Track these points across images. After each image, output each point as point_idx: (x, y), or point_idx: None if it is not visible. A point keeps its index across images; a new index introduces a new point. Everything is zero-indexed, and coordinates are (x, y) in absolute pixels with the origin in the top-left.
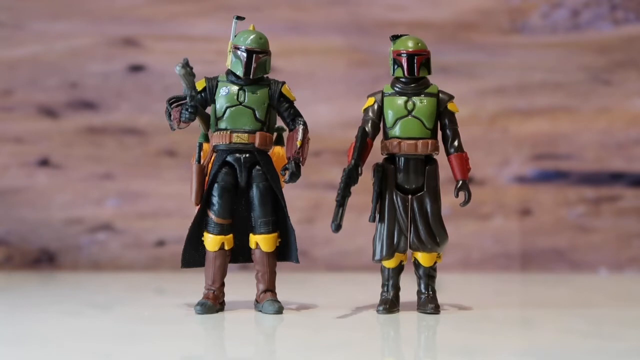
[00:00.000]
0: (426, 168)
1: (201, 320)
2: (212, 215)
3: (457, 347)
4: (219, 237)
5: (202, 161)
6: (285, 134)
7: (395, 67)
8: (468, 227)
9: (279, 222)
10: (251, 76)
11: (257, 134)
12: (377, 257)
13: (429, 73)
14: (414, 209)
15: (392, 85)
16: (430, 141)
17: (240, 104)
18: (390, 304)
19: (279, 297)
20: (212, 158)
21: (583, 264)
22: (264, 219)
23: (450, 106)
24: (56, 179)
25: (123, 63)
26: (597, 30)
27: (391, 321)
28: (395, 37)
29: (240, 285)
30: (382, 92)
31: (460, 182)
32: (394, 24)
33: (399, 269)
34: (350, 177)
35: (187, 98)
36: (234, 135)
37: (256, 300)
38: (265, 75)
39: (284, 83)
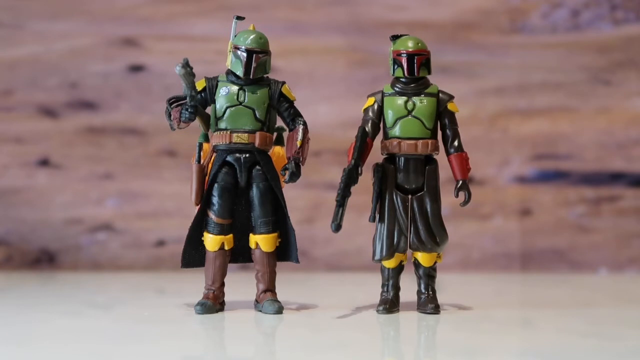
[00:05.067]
0: (426, 168)
1: (201, 320)
2: (212, 215)
3: (457, 347)
4: (219, 237)
5: (202, 161)
6: (285, 134)
7: (395, 67)
8: (468, 227)
9: (279, 222)
10: (251, 76)
11: (257, 134)
12: (377, 257)
13: (429, 73)
14: (414, 209)
15: (392, 85)
16: (430, 141)
17: (240, 104)
18: (390, 304)
19: (279, 297)
20: (212, 158)
21: (583, 264)
22: (264, 219)
23: (450, 106)
24: (56, 179)
25: (123, 63)
26: (597, 30)
27: (391, 321)
28: (395, 37)
29: (240, 285)
30: (382, 92)
31: (460, 182)
32: (393, 24)
33: (399, 269)
34: (350, 177)
35: (187, 98)
36: (234, 135)
37: (256, 300)
38: (265, 75)
39: (284, 83)
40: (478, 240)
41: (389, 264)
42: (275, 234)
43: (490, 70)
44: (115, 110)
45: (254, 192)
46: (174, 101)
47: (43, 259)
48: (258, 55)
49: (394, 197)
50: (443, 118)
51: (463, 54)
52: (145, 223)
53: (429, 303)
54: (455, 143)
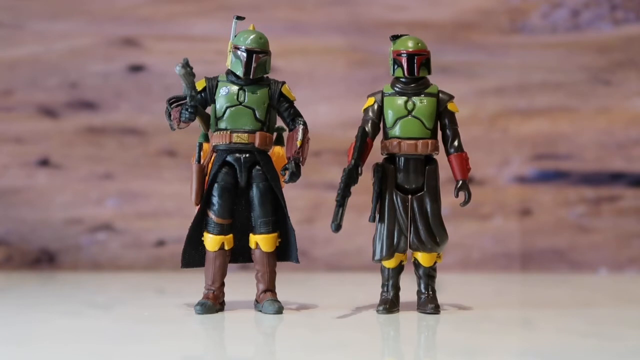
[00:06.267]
0: (426, 168)
1: (201, 320)
2: (212, 215)
3: (457, 347)
4: (219, 237)
5: (202, 161)
6: (285, 134)
7: (395, 67)
8: (468, 227)
9: (279, 222)
10: (251, 76)
11: (257, 134)
12: (377, 257)
13: (429, 73)
14: (414, 209)
15: (392, 85)
16: (430, 141)
17: (240, 104)
18: (390, 304)
19: (279, 297)
20: (212, 158)
21: (583, 264)
22: (264, 219)
23: (450, 106)
24: (56, 179)
25: (123, 63)
26: (597, 30)
27: (391, 321)
28: (395, 37)
29: (240, 285)
30: (382, 92)
31: (460, 182)
32: (393, 24)
33: (399, 269)
34: (350, 177)
35: (187, 98)
36: (234, 135)
37: (256, 300)
38: (265, 75)
39: (284, 83)
40: (478, 240)
41: (389, 264)
42: (275, 234)
43: (490, 70)
44: (115, 110)
45: (254, 192)
46: (174, 101)
47: (43, 259)
48: (258, 55)
49: (394, 197)
50: (443, 118)
51: (463, 54)
52: (145, 223)
53: (429, 303)
54: (455, 143)
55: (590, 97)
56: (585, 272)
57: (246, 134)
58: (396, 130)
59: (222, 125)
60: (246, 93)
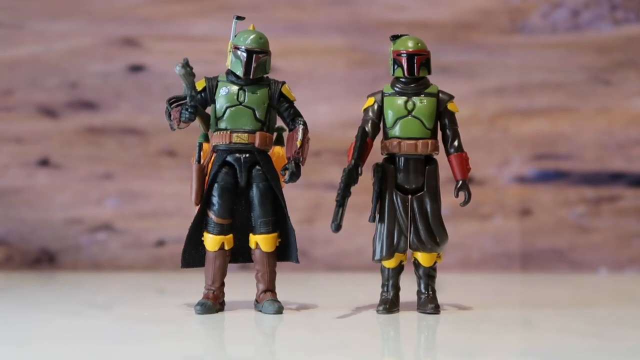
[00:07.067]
0: (426, 168)
1: (201, 320)
2: (212, 215)
3: (457, 347)
4: (218, 237)
5: (202, 161)
6: (285, 134)
7: (395, 67)
8: (468, 227)
9: (279, 222)
10: (251, 76)
11: (257, 134)
12: (377, 257)
13: (429, 73)
14: (414, 209)
15: (392, 85)
16: (430, 141)
17: (240, 104)
18: (390, 304)
19: (279, 297)
20: (212, 158)
21: (583, 264)
22: (264, 219)
23: (450, 106)
24: (56, 179)
25: (123, 63)
26: (597, 30)
27: (391, 321)
28: (395, 37)
29: (240, 285)
30: (382, 92)
31: (460, 182)
32: (393, 24)
33: (399, 269)
34: (350, 177)
35: (187, 98)
36: (234, 135)
37: (256, 300)
38: (265, 75)
39: (284, 83)
40: (478, 240)
41: (389, 264)
42: (275, 234)
43: (490, 70)
44: (115, 110)
45: (254, 192)
46: (174, 101)
47: (43, 259)
48: (258, 55)
49: (394, 197)
50: (443, 118)
51: (463, 54)
52: (145, 223)
53: (429, 303)
54: (455, 143)
55: (590, 97)
56: (585, 272)
57: (246, 134)
58: (396, 130)
59: (222, 125)
60: (246, 93)
